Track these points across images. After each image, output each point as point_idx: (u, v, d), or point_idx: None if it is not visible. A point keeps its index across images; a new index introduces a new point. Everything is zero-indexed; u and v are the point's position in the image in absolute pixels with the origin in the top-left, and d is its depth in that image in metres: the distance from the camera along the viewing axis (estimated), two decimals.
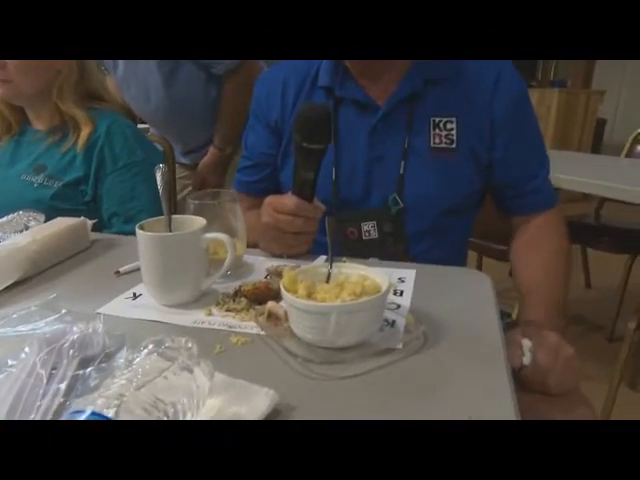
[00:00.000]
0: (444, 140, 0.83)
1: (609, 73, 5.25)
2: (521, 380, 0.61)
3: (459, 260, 0.99)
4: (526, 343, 0.63)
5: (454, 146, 0.83)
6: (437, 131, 0.83)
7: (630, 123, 4.50)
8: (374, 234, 0.87)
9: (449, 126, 0.83)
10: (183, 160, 1.66)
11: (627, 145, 2.31)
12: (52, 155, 1.08)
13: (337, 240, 0.85)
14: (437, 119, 0.83)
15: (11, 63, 1.00)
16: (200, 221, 0.64)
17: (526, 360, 0.61)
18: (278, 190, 0.92)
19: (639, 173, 1.91)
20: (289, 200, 0.71)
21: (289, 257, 0.78)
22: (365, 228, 0.87)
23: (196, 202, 0.70)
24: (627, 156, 2.29)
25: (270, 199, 0.74)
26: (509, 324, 0.88)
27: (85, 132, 1.06)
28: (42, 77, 1.05)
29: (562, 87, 4.61)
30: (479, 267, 2.25)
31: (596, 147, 4.62)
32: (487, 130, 0.84)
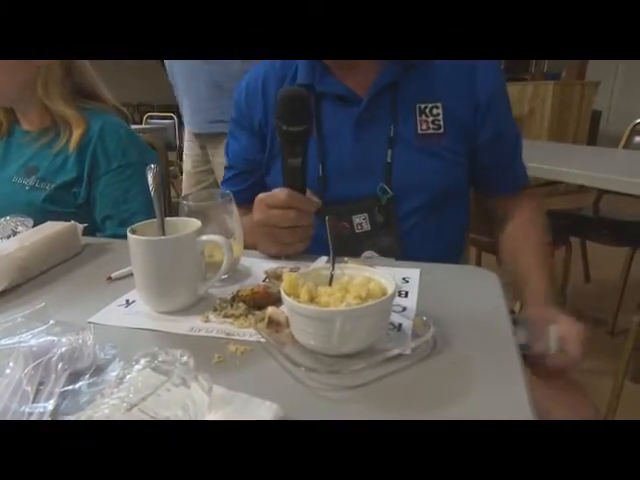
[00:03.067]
0: (431, 126, 0.83)
1: (603, 64, 5.24)
2: (531, 363, 0.60)
3: (457, 254, 0.98)
4: (554, 330, 0.62)
5: (441, 131, 0.83)
6: (423, 117, 0.83)
7: (625, 114, 4.50)
8: (366, 226, 0.85)
9: (435, 111, 0.83)
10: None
11: (624, 136, 2.30)
12: (44, 157, 1.05)
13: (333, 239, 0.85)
14: (422, 105, 0.83)
15: None
16: (195, 223, 0.62)
17: (553, 348, 0.59)
18: None
19: (637, 164, 1.89)
20: (280, 193, 0.69)
21: (287, 258, 0.75)
22: (357, 221, 0.85)
23: (190, 203, 0.67)
24: (625, 147, 2.28)
25: (261, 195, 0.72)
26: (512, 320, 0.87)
27: (77, 132, 1.03)
28: (20, 75, 1.02)
29: (556, 79, 4.59)
30: (478, 263, 2.23)
31: (592, 139, 4.62)
32: (472, 113, 0.84)
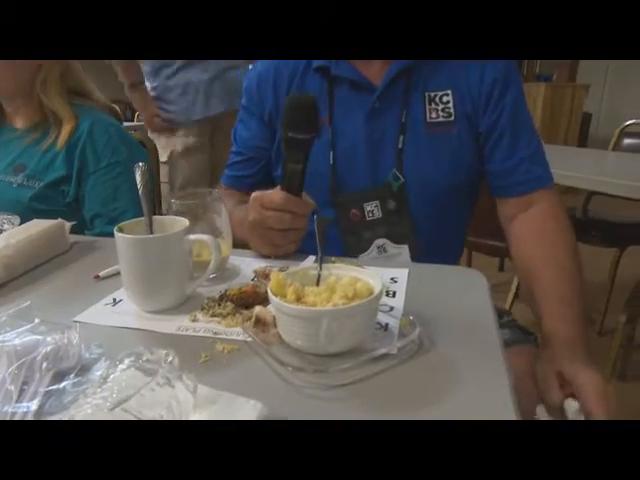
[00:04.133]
0: (441, 114, 0.83)
1: (593, 67, 5.29)
2: None
3: (459, 252, 0.98)
4: (571, 406, 0.58)
5: (452, 119, 0.83)
6: (433, 105, 0.83)
7: (615, 117, 4.55)
8: (377, 214, 0.85)
9: (445, 99, 0.83)
10: None
11: (614, 138, 2.32)
12: (32, 154, 1.04)
13: (340, 226, 0.85)
14: (432, 93, 0.83)
15: None
16: (182, 222, 0.61)
17: (574, 417, 0.56)
18: (270, 184, 0.89)
19: (626, 166, 1.91)
20: (277, 195, 0.69)
21: (276, 258, 0.75)
22: (368, 208, 0.85)
23: (178, 202, 0.67)
24: (614, 149, 2.30)
25: (257, 195, 0.71)
26: (510, 322, 0.86)
27: (67, 129, 1.02)
28: (24, 72, 1.02)
29: (548, 81, 4.63)
30: (469, 262, 2.24)
31: (582, 141, 4.66)
32: (481, 101, 0.83)
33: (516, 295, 2.08)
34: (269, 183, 0.91)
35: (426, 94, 0.83)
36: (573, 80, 5.13)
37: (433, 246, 0.84)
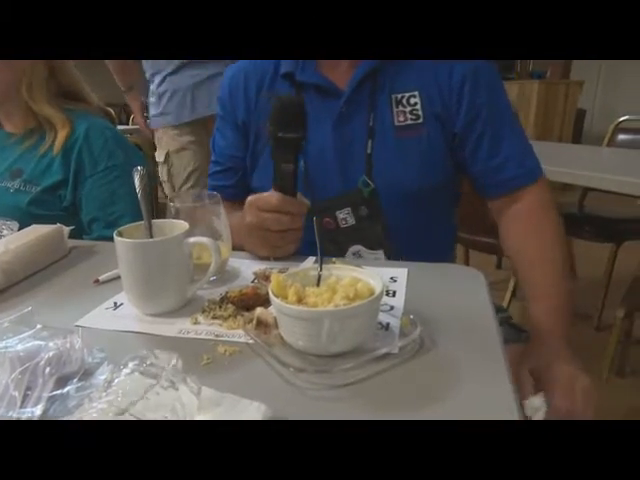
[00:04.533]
0: (409, 116, 0.82)
1: (587, 64, 5.31)
2: None
3: (446, 251, 0.97)
4: (534, 403, 0.56)
5: (421, 121, 0.82)
6: (400, 108, 0.82)
7: (609, 113, 4.57)
8: (351, 221, 0.85)
9: (412, 101, 0.82)
10: None
11: (608, 134, 2.33)
12: (29, 159, 1.04)
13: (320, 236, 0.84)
14: (398, 95, 0.82)
15: None
16: (182, 225, 0.62)
17: (539, 417, 0.56)
18: (251, 193, 0.89)
19: (621, 162, 1.92)
20: (272, 197, 0.69)
21: (276, 259, 0.75)
22: (341, 216, 0.85)
23: (177, 205, 0.67)
24: (608, 145, 2.32)
25: (253, 198, 0.71)
26: (504, 319, 0.87)
27: (62, 134, 1.02)
28: (6, 77, 1.01)
29: (541, 78, 4.64)
30: (466, 260, 2.25)
31: (577, 137, 4.68)
32: (452, 100, 0.81)
33: (513, 293, 2.10)
34: (249, 193, 0.91)
35: (392, 96, 0.82)
36: (567, 77, 5.14)
37: (411, 250, 0.82)
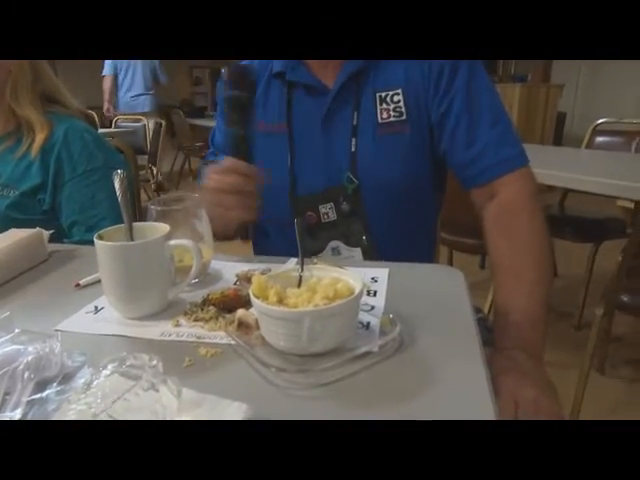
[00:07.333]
0: (392, 114, 0.83)
1: (567, 67, 5.42)
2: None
3: (428, 249, 0.98)
4: None
5: (404, 117, 0.83)
6: (384, 106, 0.83)
7: (588, 115, 4.66)
8: (332, 216, 0.86)
9: (396, 98, 0.83)
10: None
11: (586, 137, 2.38)
12: (6, 162, 1.02)
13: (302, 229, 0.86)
14: (383, 93, 0.83)
15: None
16: (163, 227, 0.62)
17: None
18: None
19: (599, 164, 1.96)
20: (226, 160, 0.74)
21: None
22: (323, 211, 0.86)
23: (158, 208, 0.67)
24: (587, 147, 2.36)
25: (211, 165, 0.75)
26: (479, 320, 0.87)
27: (40, 137, 1.01)
28: None
29: (523, 82, 4.72)
30: (450, 262, 2.27)
31: (557, 139, 4.76)
32: (430, 93, 0.82)
33: None
34: None
35: (377, 94, 0.83)
36: (548, 80, 5.24)
37: (389, 249, 0.82)
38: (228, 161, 0.73)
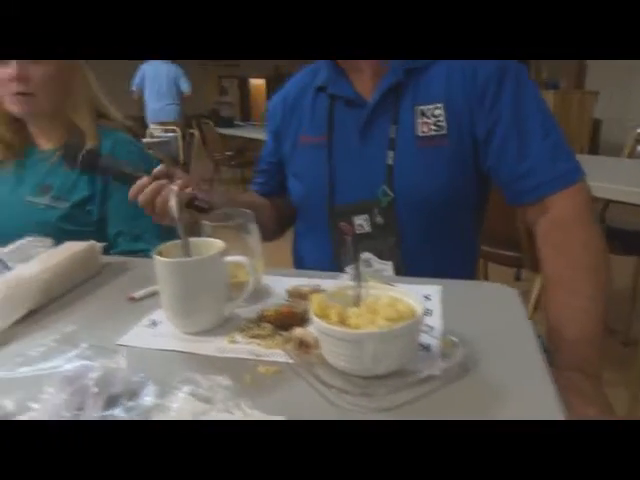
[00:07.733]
0: (432, 127, 0.82)
1: (601, 73, 5.29)
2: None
3: (466, 266, 0.94)
4: None
5: (444, 132, 0.82)
6: (424, 119, 0.83)
7: (625, 123, 4.53)
8: (367, 228, 0.86)
9: (437, 112, 0.82)
10: None
11: (628, 145, 2.31)
12: (56, 175, 1.05)
13: (336, 239, 0.88)
14: (423, 107, 0.83)
15: (36, 76, 0.98)
16: (218, 244, 0.62)
17: None
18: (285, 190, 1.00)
19: None
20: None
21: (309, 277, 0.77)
22: (357, 222, 0.87)
23: (212, 224, 0.68)
24: (629, 157, 2.29)
25: None
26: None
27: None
28: (62, 91, 1.04)
29: (556, 89, 4.63)
30: (485, 273, 2.23)
31: (593, 148, 4.64)
32: (475, 110, 0.81)
33: (535, 305, 2.06)
34: (283, 191, 1.01)
35: (417, 108, 0.83)
36: (581, 87, 5.12)
37: (421, 265, 0.80)
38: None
